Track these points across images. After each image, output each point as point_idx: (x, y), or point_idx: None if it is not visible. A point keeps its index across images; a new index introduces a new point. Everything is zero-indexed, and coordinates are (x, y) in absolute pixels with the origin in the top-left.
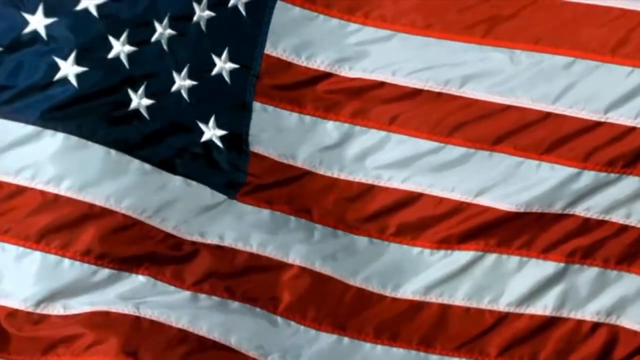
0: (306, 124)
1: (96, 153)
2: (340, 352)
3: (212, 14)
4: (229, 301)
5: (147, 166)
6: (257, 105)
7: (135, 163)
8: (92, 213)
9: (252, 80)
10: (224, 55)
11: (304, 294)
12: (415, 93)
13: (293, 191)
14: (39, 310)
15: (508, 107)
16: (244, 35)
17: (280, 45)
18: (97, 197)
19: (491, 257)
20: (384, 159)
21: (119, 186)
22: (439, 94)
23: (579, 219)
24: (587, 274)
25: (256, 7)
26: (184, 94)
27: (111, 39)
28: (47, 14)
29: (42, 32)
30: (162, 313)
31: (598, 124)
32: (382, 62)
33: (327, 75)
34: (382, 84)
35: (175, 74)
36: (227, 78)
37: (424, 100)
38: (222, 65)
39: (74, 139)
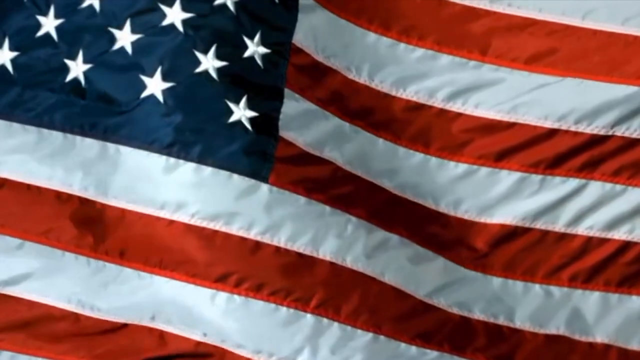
0: (329, 122)
1: (91, 150)
2: (376, 350)
3: None
4: (252, 301)
5: (153, 154)
6: (288, 92)
7: (138, 154)
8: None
9: (284, 67)
10: (257, 38)
11: (337, 290)
12: (418, 107)
13: (326, 180)
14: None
15: (512, 124)
16: (277, 20)
17: (305, 37)
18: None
19: (498, 280)
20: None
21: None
22: (442, 110)
23: (582, 239)
24: (591, 299)
25: None
26: (213, 74)
27: (113, 31)
28: (57, 16)
29: (54, 34)
30: (176, 328)
31: (605, 138)
32: (388, 71)
33: (340, 73)
34: (385, 95)
35: (199, 55)
36: (259, 62)
37: (427, 115)
38: (255, 48)
39: (69, 137)
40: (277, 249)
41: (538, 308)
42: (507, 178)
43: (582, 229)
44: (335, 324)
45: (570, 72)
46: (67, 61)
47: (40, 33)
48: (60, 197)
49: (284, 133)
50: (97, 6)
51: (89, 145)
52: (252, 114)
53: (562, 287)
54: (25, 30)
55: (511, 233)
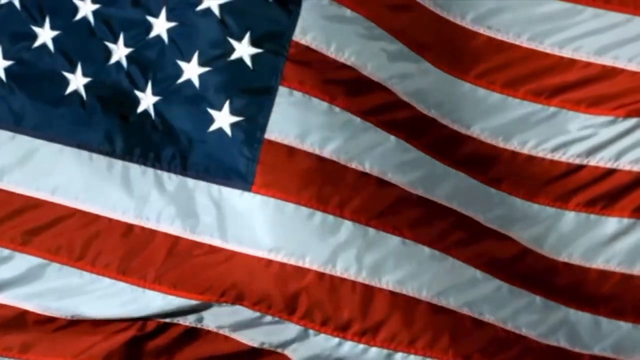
0: (336, 115)
1: (100, 165)
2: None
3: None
4: (240, 308)
5: (143, 168)
6: (283, 90)
7: (134, 167)
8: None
9: (279, 66)
10: (246, 39)
11: (324, 300)
12: (421, 117)
13: (322, 181)
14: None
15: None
16: (271, 19)
17: (310, 33)
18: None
19: (504, 285)
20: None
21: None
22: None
23: (560, 264)
24: (584, 319)
25: None
26: (195, 82)
27: (109, 44)
28: (53, 27)
29: (50, 45)
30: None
31: (580, 167)
32: (396, 72)
33: (353, 69)
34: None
35: (181, 63)
36: (248, 63)
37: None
38: (244, 49)
39: (70, 150)
40: (259, 260)
41: (539, 319)
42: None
43: (562, 258)
44: (322, 335)
45: (547, 101)
46: (66, 74)
47: (36, 44)
48: (56, 208)
49: (274, 135)
50: (91, 19)
51: (96, 160)
52: (236, 119)
53: (558, 304)
54: (20, 40)
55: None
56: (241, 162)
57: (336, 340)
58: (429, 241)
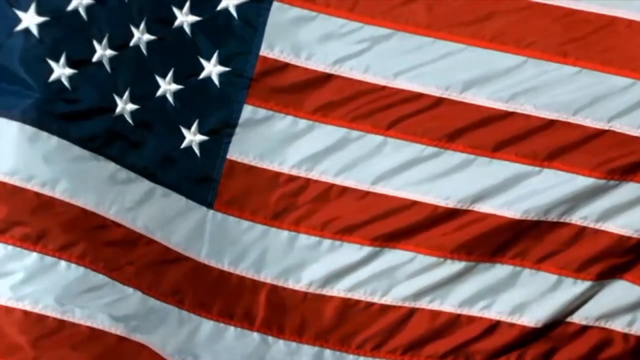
0: (300, 128)
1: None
2: None
3: (197, 18)
4: (203, 320)
5: (132, 174)
6: (247, 109)
7: (120, 170)
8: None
9: (245, 83)
10: (214, 58)
11: (280, 309)
12: (416, 97)
13: (281, 199)
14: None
15: (510, 114)
16: (237, 38)
17: (277, 46)
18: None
19: (484, 266)
20: (380, 165)
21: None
22: (440, 99)
23: (575, 227)
24: (580, 287)
25: (249, 9)
26: (170, 98)
27: (94, 42)
28: (39, 13)
29: (35, 31)
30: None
31: (602, 132)
32: (383, 63)
33: (326, 77)
34: (383, 88)
35: (159, 78)
36: (216, 81)
37: (424, 105)
38: (212, 68)
39: (53, 139)
40: (221, 272)
41: (522, 296)
42: (504, 169)
43: (576, 219)
44: (281, 341)
45: (571, 61)
46: (50, 61)
47: (19, 28)
48: (40, 197)
49: (236, 154)
50: (83, 12)
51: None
52: (203, 138)
53: (552, 274)
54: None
55: (503, 224)
56: (205, 181)
57: (293, 345)
58: (385, 241)
